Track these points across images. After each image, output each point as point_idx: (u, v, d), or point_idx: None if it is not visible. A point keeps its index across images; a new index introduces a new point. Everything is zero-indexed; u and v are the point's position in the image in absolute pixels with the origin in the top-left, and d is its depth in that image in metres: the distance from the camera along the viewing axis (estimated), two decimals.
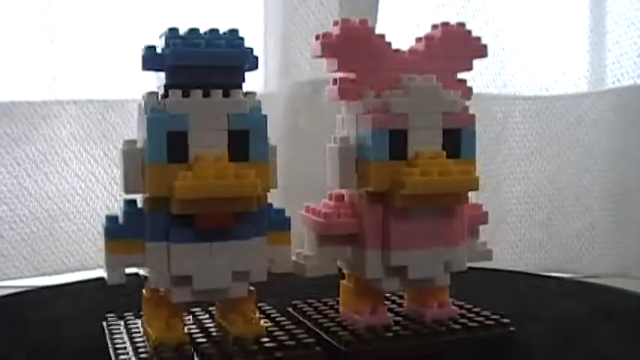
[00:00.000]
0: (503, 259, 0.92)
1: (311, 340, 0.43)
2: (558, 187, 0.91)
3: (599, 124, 0.89)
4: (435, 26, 0.46)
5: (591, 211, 0.90)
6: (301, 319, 0.48)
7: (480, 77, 0.89)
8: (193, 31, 0.41)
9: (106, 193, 0.84)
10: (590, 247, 0.91)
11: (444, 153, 0.43)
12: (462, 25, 0.46)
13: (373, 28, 0.45)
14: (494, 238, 0.91)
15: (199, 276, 0.40)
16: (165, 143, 0.39)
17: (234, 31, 0.41)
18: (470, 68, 0.46)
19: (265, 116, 0.41)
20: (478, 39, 0.46)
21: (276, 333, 0.44)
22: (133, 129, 0.88)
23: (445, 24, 0.46)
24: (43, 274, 0.82)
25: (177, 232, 0.40)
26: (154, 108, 0.40)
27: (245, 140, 0.40)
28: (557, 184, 0.91)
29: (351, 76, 0.44)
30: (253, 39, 0.44)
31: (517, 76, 0.91)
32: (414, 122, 0.43)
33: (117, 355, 0.41)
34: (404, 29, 0.87)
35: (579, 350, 0.43)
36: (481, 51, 0.46)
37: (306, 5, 0.83)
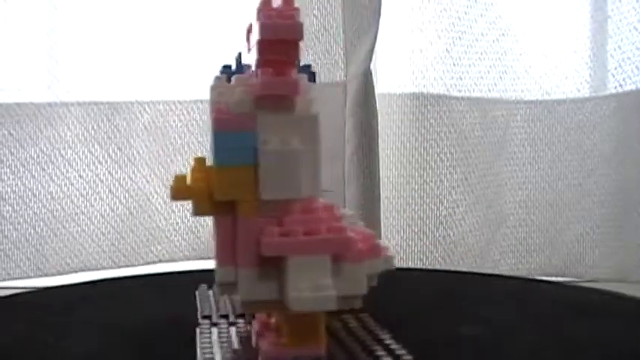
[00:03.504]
0: (503, 263, 0.92)
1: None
2: (559, 192, 0.91)
3: (600, 129, 0.90)
4: None
5: (592, 215, 0.91)
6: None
7: (481, 81, 0.90)
8: None
9: (110, 194, 0.84)
10: (591, 251, 0.91)
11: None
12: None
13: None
14: (494, 242, 0.91)
15: None
16: None
17: None
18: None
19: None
20: (272, 19, 0.35)
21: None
22: (137, 131, 0.88)
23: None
24: (47, 275, 0.83)
25: None
26: None
27: None
28: (558, 189, 0.91)
29: None
30: None
31: (518, 80, 0.91)
32: None
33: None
34: (406, 34, 0.87)
35: (579, 353, 0.43)
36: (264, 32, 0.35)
37: (308, 10, 0.84)
